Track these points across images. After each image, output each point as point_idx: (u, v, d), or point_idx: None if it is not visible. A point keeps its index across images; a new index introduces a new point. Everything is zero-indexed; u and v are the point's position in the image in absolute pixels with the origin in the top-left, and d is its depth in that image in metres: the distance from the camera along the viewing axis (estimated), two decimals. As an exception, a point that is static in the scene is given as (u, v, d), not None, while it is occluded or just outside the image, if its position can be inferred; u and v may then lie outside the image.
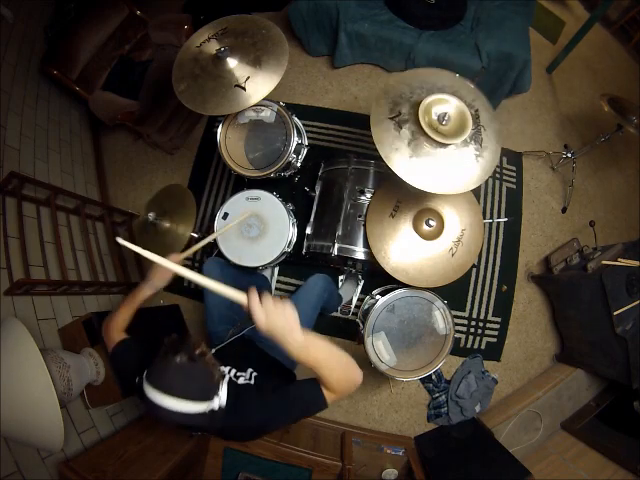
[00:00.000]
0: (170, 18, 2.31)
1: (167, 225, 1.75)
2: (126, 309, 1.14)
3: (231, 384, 0.94)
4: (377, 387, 2.16)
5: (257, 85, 1.49)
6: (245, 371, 1.08)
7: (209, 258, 1.65)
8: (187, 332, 0.92)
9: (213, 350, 1.15)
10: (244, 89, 1.48)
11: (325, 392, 0.88)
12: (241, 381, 1.03)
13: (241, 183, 1.91)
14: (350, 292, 2.13)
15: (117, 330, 1.10)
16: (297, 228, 1.83)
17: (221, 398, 0.85)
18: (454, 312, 1.71)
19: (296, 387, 0.94)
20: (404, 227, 1.54)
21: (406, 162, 1.26)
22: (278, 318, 0.78)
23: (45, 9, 2.22)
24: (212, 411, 0.83)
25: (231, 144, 1.78)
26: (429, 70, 1.42)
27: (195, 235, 1.80)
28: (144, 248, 0.85)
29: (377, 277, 1.92)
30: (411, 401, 2.15)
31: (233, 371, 1.06)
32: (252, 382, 1.04)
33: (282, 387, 0.94)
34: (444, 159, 1.28)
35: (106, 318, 1.14)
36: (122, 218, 2.32)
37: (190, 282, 2.33)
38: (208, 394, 0.83)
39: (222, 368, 1.03)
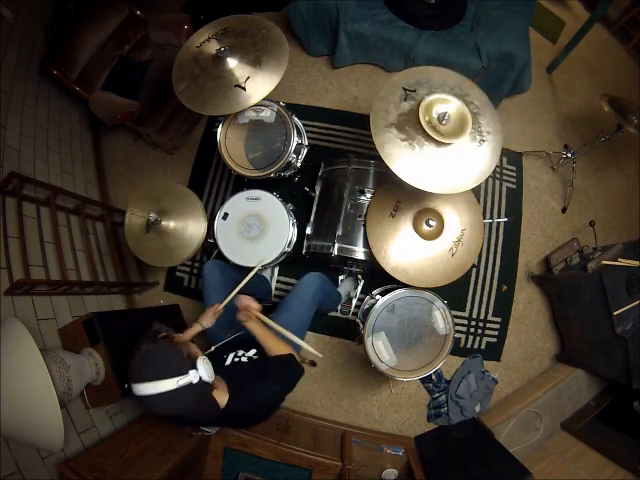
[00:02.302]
0: (170, 18, 2.31)
1: (172, 225, 1.74)
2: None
3: (236, 364, 1.07)
4: (377, 387, 2.16)
5: (257, 85, 1.49)
6: (248, 351, 1.19)
7: (209, 260, 1.65)
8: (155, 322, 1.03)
9: (212, 348, 1.21)
10: (244, 89, 1.48)
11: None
12: (244, 359, 1.14)
13: (241, 183, 1.91)
14: (350, 292, 2.13)
15: None
16: (297, 228, 1.83)
17: (201, 372, 0.90)
18: (454, 312, 1.71)
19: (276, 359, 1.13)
20: (404, 227, 1.54)
21: (384, 128, 1.29)
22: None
23: (45, 9, 2.22)
24: (191, 385, 0.87)
25: (231, 144, 1.78)
26: (460, 77, 1.43)
27: (211, 241, 1.77)
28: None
29: (377, 277, 1.92)
30: (411, 401, 2.15)
31: (234, 352, 1.17)
32: (253, 360, 1.16)
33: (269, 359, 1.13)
34: (428, 155, 1.30)
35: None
36: (122, 218, 2.31)
37: (190, 282, 2.34)
38: (180, 369, 0.87)
39: (224, 356, 1.17)
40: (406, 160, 1.27)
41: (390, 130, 1.29)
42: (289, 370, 1.12)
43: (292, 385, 1.12)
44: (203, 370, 0.91)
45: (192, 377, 0.87)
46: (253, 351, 1.20)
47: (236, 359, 1.13)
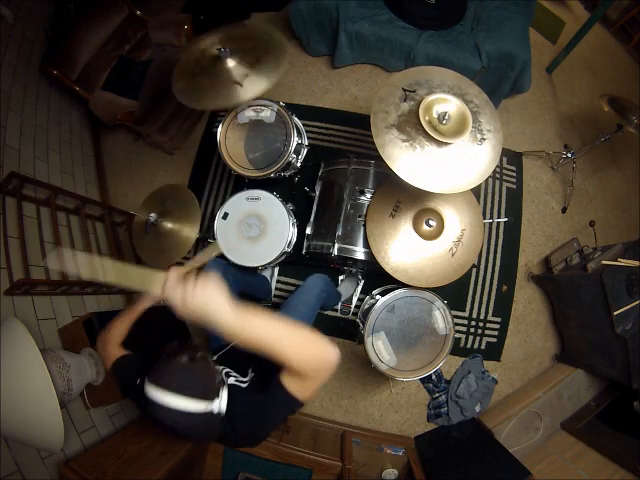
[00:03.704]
0: (170, 18, 2.31)
1: (169, 226, 1.74)
2: (123, 321, 1.10)
3: (233, 389, 0.94)
4: (377, 387, 2.16)
5: (255, 81, 1.47)
6: (246, 376, 1.06)
7: (210, 260, 1.65)
8: (190, 337, 0.98)
9: (215, 357, 1.15)
10: (241, 85, 1.47)
11: (293, 385, 0.80)
12: (242, 386, 1.02)
13: (241, 183, 1.91)
14: (350, 292, 2.13)
15: (114, 344, 1.07)
16: (297, 228, 1.83)
17: (221, 403, 0.85)
18: (454, 312, 1.71)
19: (268, 394, 0.87)
20: (404, 227, 1.54)
21: (384, 129, 1.28)
22: (197, 300, 0.71)
23: (45, 9, 2.22)
24: (212, 414, 0.82)
25: (231, 144, 1.78)
26: (459, 75, 1.42)
27: (211, 241, 1.78)
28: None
29: (377, 277, 1.92)
30: (411, 401, 2.15)
31: (235, 376, 1.04)
32: (249, 385, 1.01)
33: (262, 395, 0.89)
34: (429, 154, 1.29)
35: (100, 332, 1.10)
36: (122, 218, 2.32)
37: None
38: (208, 394, 0.83)
39: (224, 372, 1.03)
40: (408, 161, 1.27)
41: (391, 131, 1.29)
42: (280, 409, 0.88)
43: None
44: (224, 401, 0.86)
45: (216, 406, 0.83)
46: (250, 375, 1.04)
47: (236, 382, 1.00)
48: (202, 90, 1.51)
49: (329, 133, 2.41)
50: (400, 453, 1.91)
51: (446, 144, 1.27)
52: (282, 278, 2.22)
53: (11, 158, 1.77)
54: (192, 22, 2.23)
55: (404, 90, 1.33)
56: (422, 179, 1.27)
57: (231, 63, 1.51)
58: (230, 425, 0.88)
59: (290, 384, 0.81)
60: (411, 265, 1.53)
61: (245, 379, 1.01)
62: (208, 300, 0.70)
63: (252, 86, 1.48)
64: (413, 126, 1.29)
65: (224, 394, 0.87)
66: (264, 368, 1.01)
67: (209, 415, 0.82)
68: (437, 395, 2.12)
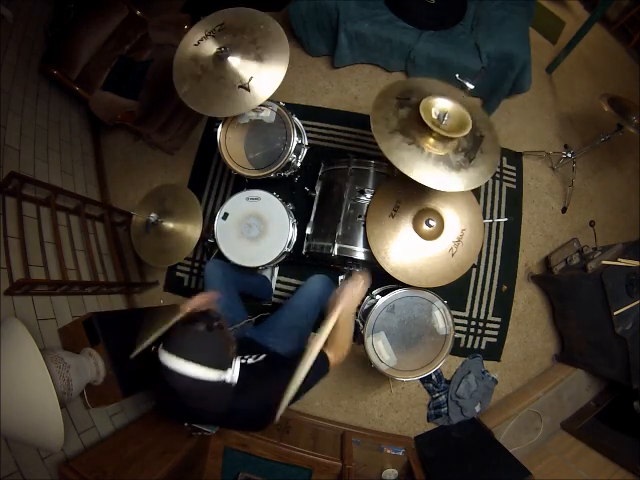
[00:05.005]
0: (170, 18, 2.31)
1: (171, 226, 1.74)
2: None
3: (243, 366, 0.98)
4: (377, 387, 2.16)
5: (260, 84, 1.48)
6: (256, 353, 1.12)
7: (210, 259, 1.65)
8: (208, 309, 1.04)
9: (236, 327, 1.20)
10: (248, 90, 1.47)
11: (329, 355, 1.05)
12: (250, 361, 1.08)
13: (241, 183, 1.91)
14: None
15: None
16: (297, 228, 1.83)
17: (234, 374, 0.88)
18: (454, 312, 1.71)
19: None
20: (404, 227, 1.54)
21: (388, 135, 1.28)
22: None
23: (45, 9, 2.22)
24: (224, 383, 0.85)
25: (231, 144, 1.78)
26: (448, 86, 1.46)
27: (211, 241, 1.77)
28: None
29: (377, 277, 1.92)
30: (411, 401, 2.15)
31: (243, 356, 1.09)
32: (263, 360, 1.09)
33: (292, 359, 1.03)
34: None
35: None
36: (122, 218, 2.31)
37: (190, 282, 2.34)
38: (222, 363, 0.85)
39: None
40: (420, 163, 1.25)
41: (395, 135, 1.28)
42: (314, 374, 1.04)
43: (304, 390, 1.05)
44: (236, 372, 0.90)
45: (228, 376, 0.86)
46: (263, 356, 1.12)
47: (242, 360, 1.06)
48: (210, 96, 1.51)
49: (329, 133, 2.41)
50: (400, 453, 1.91)
51: (451, 139, 1.26)
52: (282, 278, 2.22)
53: (11, 158, 1.77)
54: (192, 22, 2.22)
55: (398, 99, 1.33)
56: (436, 179, 1.25)
57: (233, 63, 1.50)
58: (251, 395, 0.93)
59: (331, 356, 1.07)
60: (411, 265, 1.52)
61: (259, 356, 1.11)
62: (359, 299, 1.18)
63: (259, 89, 1.48)
64: (416, 127, 1.28)
65: (237, 366, 0.91)
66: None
67: (221, 384, 0.85)
68: (437, 395, 2.12)
